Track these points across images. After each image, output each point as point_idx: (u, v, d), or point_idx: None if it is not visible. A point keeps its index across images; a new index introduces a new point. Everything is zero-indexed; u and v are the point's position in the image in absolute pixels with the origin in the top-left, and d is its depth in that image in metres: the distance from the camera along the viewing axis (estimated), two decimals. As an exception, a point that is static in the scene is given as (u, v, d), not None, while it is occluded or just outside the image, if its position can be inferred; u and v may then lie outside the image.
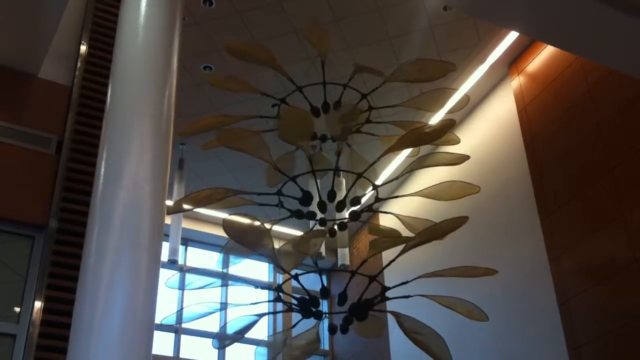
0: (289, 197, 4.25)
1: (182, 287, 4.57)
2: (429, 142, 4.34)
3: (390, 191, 7.90)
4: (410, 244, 4.10)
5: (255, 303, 4.57)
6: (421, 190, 4.36)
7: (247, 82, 4.37)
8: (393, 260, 4.31)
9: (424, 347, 4.07)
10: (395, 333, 9.79)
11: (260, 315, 4.48)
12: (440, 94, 4.48)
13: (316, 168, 4.27)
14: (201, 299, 10.77)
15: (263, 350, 4.73)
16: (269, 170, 4.20)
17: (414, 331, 4.08)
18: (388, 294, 4.20)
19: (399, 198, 4.65)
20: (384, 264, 4.38)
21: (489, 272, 4.18)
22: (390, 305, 4.39)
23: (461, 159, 4.42)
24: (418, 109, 4.46)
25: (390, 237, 4.25)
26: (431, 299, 4.14)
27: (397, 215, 4.36)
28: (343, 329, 4.19)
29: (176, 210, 4.28)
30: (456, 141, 4.53)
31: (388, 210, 4.58)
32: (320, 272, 4.30)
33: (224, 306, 4.72)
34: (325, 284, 4.31)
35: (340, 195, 4.57)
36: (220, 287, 11.25)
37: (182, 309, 4.57)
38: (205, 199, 4.20)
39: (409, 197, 4.57)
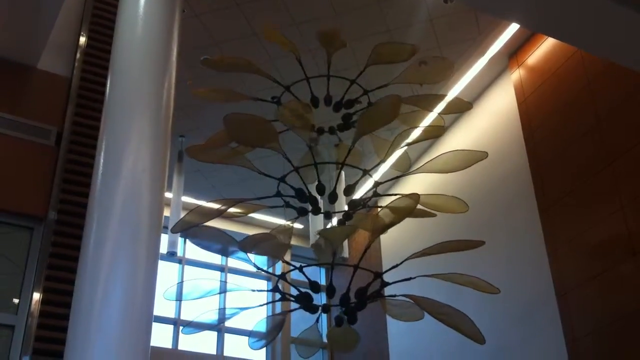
0: (289, 197, 4.22)
1: (179, 298, 4.53)
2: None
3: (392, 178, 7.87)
4: (377, 230, 4.02)
5: (264, 304, 4.54)
6: (424, 165, 4.26)
7: (232, 91, 4.32)
8: (366, 251, 4.25)
9: (452, 325, 4.01)
10: (393, 325, 9.81)
11: (286, 313, 4.42)
12: (435, 64, 4.39)
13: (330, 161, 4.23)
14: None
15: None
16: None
17: (437, 312, 4.01)
18: (386, 281, 4.15)
19: (402, 186, 4.59)
20: (382, 255, 4.34)
21: (476, 244, 4.10)
22: (389, 292, 4.34)
23: (439, 130, 4.31)
24: (411, 83, 4.34)
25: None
26: (435, 277, 4.08)
27: (408, 197, 4.27)
28: (351, 320, 4.13)
29: (183, 228, 4.23)
30: (468, 107, 4.43)
31: (389, 199, 4.51)
32: (301, 268, 4.26)
33: (223, 312, 4.66)
34: (318, 279, 4.27)
35: (340, 187, 4.53)
36: (219, 283, 11.28)
37: (176, 327, 4.54)
38: (211, 214, 4.15)
39: (411, 185, 4.50)
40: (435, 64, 4.31)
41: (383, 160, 4.24)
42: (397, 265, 4.15)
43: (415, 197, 3.95)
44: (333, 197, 4.21)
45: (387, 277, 4.16)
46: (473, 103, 8.95)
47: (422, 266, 4.18)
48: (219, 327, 10.79)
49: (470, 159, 4.24)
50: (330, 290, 4.11)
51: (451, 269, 4.15)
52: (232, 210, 4.20)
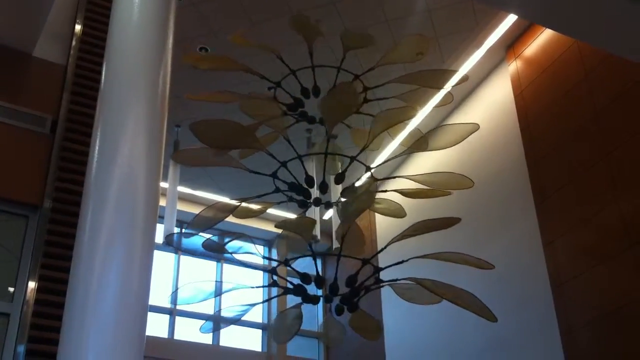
0: (289, 192, 4.21)
1: (176, 301, 4.52)
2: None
3: (388, 172, 7.85)
4: (347, 218, 4.03)
5: (271, 298, 4.53)
6: (414, 143, 4.21)
7: (228, 92, 4.30)
8: (343, 239, 4.24)
9: (462, 305, 3.98)
10: (389, 317, 9.83)
11: (299, 305, 4.39)
12: (439, 74, 4.36)
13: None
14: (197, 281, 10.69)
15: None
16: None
17: (443, 292, 3.98)
18: (379, 266, 4.13)
19: (401, 172, 4.55)
20: (378, 246, 4.33)
21: (452, 222, 4.06)
22: (387, 278, 4.33)
23: (411, 111, 4.24)
24: (413, 84, 4.29)
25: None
26: (427, 257, 4.06)
27: (410, 178, 4.24)
28: (352, 308, 4.12)
29: (198, 224, 4.24)
30: (464, 79, 4.38)
31: (388, 189, 4.48)
32: (287, 261, 4.26)
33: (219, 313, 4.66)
34: (319, 269, 4.24)
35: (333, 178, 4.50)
36: (219, 284, 11.28)
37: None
38: (226, 210, 4.15)
39: (410, 172, 4.44)
40: (412, 42, 4.27)
41: (366, 146, 4.20)
42: (381, 251, 4.15)
43: (372, 183, 3.93)
44: (324, 188, 4.19)
45: (382, 264, 4.16)
46: (470, 94, 8.99)
47: (417, 254, 4.17)
48: (216, 317, 10.80)
49: (461, 132, 4.19)
50: (318, 281, 4.10)
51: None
52: (246, 207, 4.19)
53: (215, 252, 4.16)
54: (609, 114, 6.76)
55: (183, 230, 4.28)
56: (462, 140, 4.17)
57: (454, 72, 4.41)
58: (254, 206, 4.25)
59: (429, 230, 4.05)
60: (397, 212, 4.28)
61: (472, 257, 4.04)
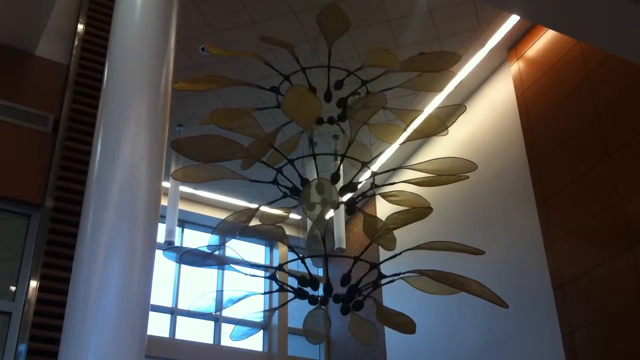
0: (295, 198, 4.25)
1: (196, 312, 4.58)
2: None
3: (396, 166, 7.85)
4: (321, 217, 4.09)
5: (289, 300, 4.58)
6: (411, 133, 4.23)
7: (235, 110, 4.35)
8: (324, 239, 4.26)
9: (472, 292, 3.98)
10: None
11: (319, 306, 4.41)
12: (440, 75, 4.37)
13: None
14: (198, 280, 10.71)
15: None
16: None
17: (451, 281, 3.99)
18: (373, 262, 4.17)
19: (404, 169, 4.56)
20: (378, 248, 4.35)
21: (426, 212, 4.07)
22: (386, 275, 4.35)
23: (383, 99, 4.22)
24: (415, 70, 4.29)
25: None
26: (418, 248, 4.07)
27: (412, 168, 4.24)
28: (357, 307, 4.14)
29: (223, 229, 4.31)
30: (457, 60, 4.39)
31: (388, 190, 4.49)
32: (280, 266, 4.30)
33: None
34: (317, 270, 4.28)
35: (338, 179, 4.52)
36: (219, 276, 11.26)
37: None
38: (248, 215, 4.21)
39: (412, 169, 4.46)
40: (379, 54, 4.30)
41: (351, 142, 4.22)
42: (367, 247, 4.18)
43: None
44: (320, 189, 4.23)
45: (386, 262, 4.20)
46: (472, 95, 8.98)
47: (417, 259, 4.19)
48: (216, 316, 10.82)
49: (451, 114, 4.23)
50: (313, 283, 4.13)
51: (449, 262, 4.16)
52: (270, 213, 4.25)
53: (196, 264, 4.22)
54: (611, 114, 6.76)
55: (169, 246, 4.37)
56: (454, 122, 4.22)
57: (455, 54, 4.38)
58: (277, 211, 4.30)
59: (404, 223, 4.09)
60: (417, 202, 4.26)
61: (460, 245, 4.08)
